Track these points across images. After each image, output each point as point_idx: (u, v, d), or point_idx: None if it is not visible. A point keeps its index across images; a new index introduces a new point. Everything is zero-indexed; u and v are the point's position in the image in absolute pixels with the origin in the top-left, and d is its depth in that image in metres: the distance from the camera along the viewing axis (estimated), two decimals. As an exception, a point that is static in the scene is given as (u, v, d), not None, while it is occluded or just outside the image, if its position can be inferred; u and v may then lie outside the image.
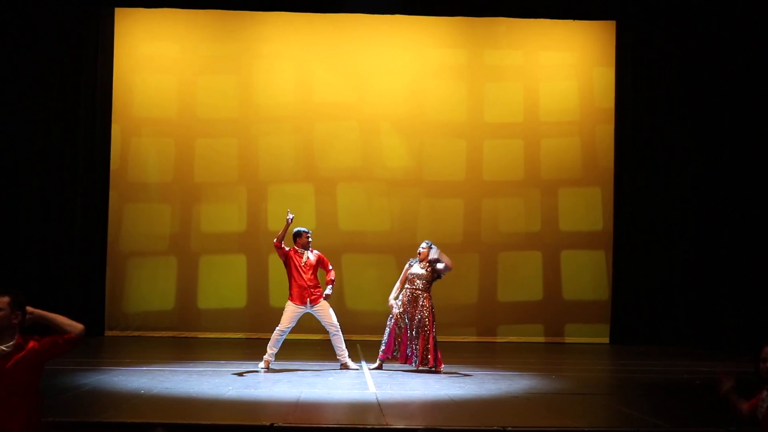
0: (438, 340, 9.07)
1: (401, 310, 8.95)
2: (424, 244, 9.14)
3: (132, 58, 13.11)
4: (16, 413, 3.79)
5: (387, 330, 9.04)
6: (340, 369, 9.06)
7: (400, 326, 8.96)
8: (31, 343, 3.89)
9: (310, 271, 9.00)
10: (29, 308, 3.94)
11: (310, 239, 9.12)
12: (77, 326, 3.92)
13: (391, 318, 9.00)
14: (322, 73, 13.33)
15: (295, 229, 9.18)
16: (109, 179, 12.88)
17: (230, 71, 13.29)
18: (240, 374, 8.50)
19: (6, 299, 3.85)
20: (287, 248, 9.02)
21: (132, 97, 13.11)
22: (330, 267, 9.14)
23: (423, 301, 8.92)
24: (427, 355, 8.83)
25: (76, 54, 12.76)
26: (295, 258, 9.00)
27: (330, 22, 13.24)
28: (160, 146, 13.12)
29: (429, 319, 8.87)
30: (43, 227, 12.51)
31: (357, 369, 9.09)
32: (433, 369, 8.88)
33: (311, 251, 9.12)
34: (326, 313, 9.03)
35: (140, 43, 13.15)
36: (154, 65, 13.17)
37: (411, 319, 8.88)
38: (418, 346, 8.83)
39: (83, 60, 12.78)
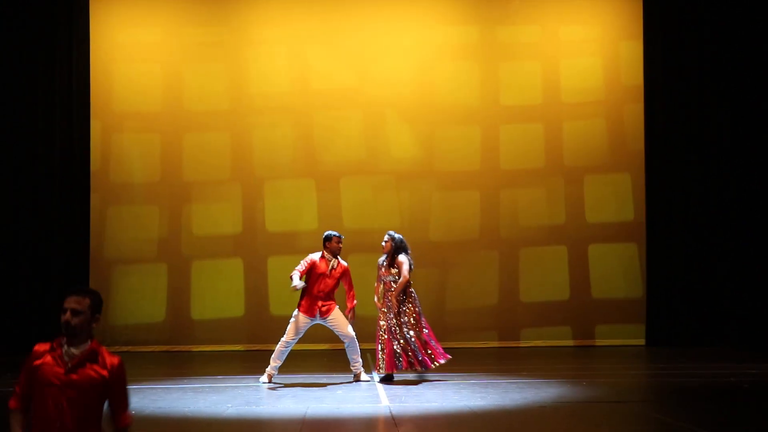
0: (455, 346, 9.11)
1: (386, 319, 9.04)
2: (386, 236, 9.24)
3: (110, 47, 13.13)
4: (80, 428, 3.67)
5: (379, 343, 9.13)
6: (353, 381, 9.11)
7: (383, 337, 9.05)
8: (109, 361, 3.77)
9: (333, 281, 9.07)
10: None
11: (340, 244, 9.20)
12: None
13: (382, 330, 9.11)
14: (321, 58, 13.33)
15: (326, 233, 9.30)
16: (89, 180, 12.91)
17: (219, 58, 13.31)
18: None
19: (87, 301, 3.78)
20: (307, 265, 9.04)
21: (112, 90, 13.14)
22: (352, 288, 9.22)
23: (407, 304, 8.99)
24: (428, 354, 8.89)
25: (49, 46, 12.75)
26: (320, 264, 9.05)
27: (327, 1, 13.25)
28: (145, 143, 13.15)
29: (416, 318, 8.95)
30: (18, 235, 12.53)
31: (369, 380, 9.13)
32: (439, 364, 8.96)
33: (339, 259, 9.19)
34: (340, 324, 9.09)
35: (119, 30, 13.16)
36: (135, 54, 13.18)
37: (401, 326, 8.90)
38: (418, 347, 8.86)
39: (57, 52, 12.77)
